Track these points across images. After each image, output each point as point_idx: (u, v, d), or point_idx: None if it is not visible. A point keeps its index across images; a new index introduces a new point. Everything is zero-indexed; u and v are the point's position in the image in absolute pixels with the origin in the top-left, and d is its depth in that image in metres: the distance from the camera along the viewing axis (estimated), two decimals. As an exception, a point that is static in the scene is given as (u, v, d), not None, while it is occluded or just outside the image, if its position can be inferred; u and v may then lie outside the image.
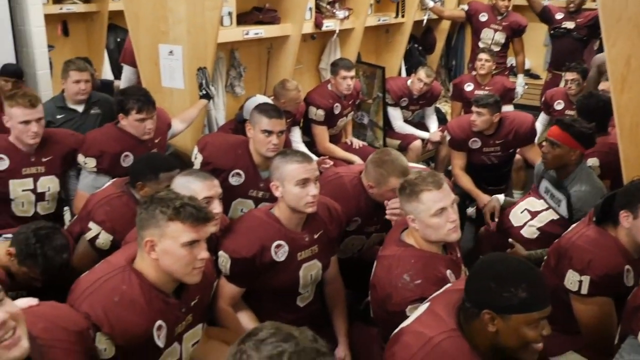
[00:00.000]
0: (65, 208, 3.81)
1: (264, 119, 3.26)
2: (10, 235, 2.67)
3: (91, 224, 2.92)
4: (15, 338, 1.51)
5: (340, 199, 3.11)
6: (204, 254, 2.07)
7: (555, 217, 3.53)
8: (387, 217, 3.04)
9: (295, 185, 2.66)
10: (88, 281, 2.04)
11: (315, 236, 2.84)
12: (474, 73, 6.04)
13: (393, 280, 2.46)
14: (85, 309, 1.95)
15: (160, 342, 2.07)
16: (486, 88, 5.77)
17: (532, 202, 3.71)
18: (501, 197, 4.02)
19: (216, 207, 2.59)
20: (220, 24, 4.15)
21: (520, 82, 6.68)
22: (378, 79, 5.58)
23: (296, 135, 4.84)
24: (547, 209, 3.60)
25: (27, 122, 3.28)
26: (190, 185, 2.59)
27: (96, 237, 2.91)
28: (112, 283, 2.02)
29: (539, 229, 3.59)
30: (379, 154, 3.21)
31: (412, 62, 6.97)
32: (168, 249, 2.03)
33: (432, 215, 2.46)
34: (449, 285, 2.25)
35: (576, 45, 6.37)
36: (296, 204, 2.69)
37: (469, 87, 5.93)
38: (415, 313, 2.12)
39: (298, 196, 2.67)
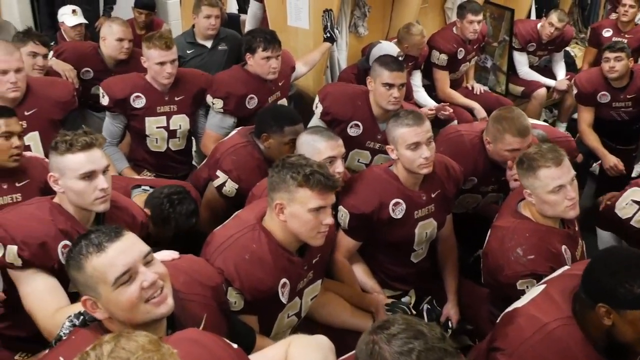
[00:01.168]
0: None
1: (385, 72, 3.26)
2: (148, 188, 2.87)
3: (219, 172, 3.05)
4: (162, 296, 1.65)
5: (457, 156, 3.10)
6: (329, 219, 2.17)
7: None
8: (509, 182, 3.01)
9: (407, 149, 2.69)
10: (222, 236, 2.20)
11: (433, 195, 2.87)
12: (613, 16, 5.63)
13: (506, 252, 2.47)
14: (219, 265, 2.11)
15: (284, 298, 2.22)
16: (627, 36, 5.38)
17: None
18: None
19: (339, 167, 2.67)
20: (349, -36, 4.10)
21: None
22: (506, 22, 5.34)
23: (417, 79, 4.78)
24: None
25: (162, 64, 3.45)
26: (315, 144, 2.67)
27: (223, 184, 3.05)
28: (243, 241, 2.17)
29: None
30: (501, 110, 3.14)
31: (544, 2, 6.58)
32: (296, 213, 2.14)
33: (549, 192, 2.42)
34: (566, 267, 2.23)
35: None
36: (410, 166, 2.73)
37: (607, 32, 5.55)
38: (530, 293, 2.13)
39: (410, 159, 2.70)
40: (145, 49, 3.48)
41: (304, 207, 2.13)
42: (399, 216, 2.79)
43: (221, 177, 3.04)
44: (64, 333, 1.71)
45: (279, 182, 2.16)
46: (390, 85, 3.25)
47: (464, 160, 3.11)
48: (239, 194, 3.01)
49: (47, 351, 1.80)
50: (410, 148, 2.68)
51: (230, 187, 3.04)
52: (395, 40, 4.52)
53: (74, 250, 1.65)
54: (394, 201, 2.77)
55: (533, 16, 6.41)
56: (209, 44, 4.44)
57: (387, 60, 3.33)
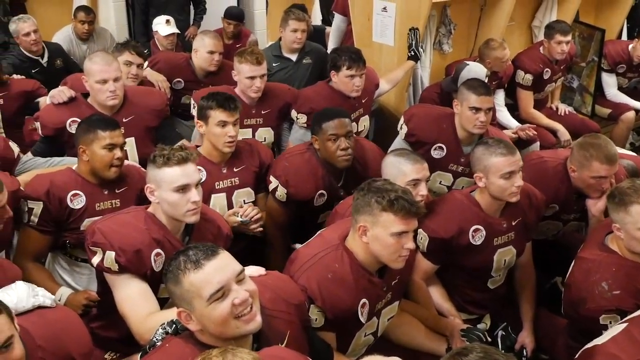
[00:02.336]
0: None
1: (473, 96, 3.26)
2: None
3: (271, 177, 3.19)
4: (252, 314, 1.74)
5: (540, 183, 3.08)
6: (410, 244, 2.21)
7: None
8: (589, 209, 2.97)
9: (500, 178, 2.69)
10: (306, 255, 2.27)
11: (513, 223, 2.87)
12: None
13: (590, 285, 2.45)
14: (303, 283, 2.18)
15: (363, 318, 2.27)
16: None
17: None
18: None
19: (422, 190, 2.70)
20: (437, -18, 4.12)
21: None
22: (595, 42, 5.21)
23: (500, 99, 4.72)
24: None
25: (252, 78, 3.57)
26: (401, 166, 2.73)
27: (275, 189, 3.17)
28: (327, 260, 2.24)
29: None
30: (588, 136, 3.10)
31: (636, 20, 6.37)
32: (378, 236, 2.19)
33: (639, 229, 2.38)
34: None
35: None
36: (500, 194, 2.73)
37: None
38: (611, 331, 2.11)
39: (503, 187, 2.71)
40: (237, 62, 3.61)
41: (387, 230, 2.17)
42: (478, 243, 2.80)
43: (273, 182, 3.18)
44: (157, 340, 1.82)
45: (364, 205, 2.21)
46: (477, 109, 3.25)
47: (546, 188, 3.09)
48: (291, 199, 3.14)
49: (139, 355, 1.92)
50: (504, 177, 2.69)
51: (281, 191, 3.15)
52: (477, 58, 4.49)
53: (173, 264, 1.76)
54: (474, 227, 2.79)
55: (624, 37, 6.22)
56: (294, 57, 4.55)
57: (475, 84, 3.34)
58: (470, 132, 3.31)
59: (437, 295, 2.87)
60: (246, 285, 1.76)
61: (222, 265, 1.73)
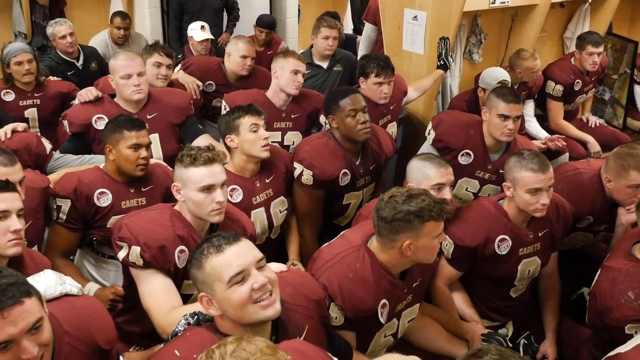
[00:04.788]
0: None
1: (502, 103, 3.26)
2: None
3: (295, 164, 3.23)
4: (271, 300, 1.78)
5: (576, 195, 3.07)
6: (442, 236, 2.30)
7: None
8: (620, 217, 2.95)
9: (526, 192, 2.69)
10: (328, 254, 2.30)
11: (540, 234, 2.85)
12: None
13: (616, 294, 2.42)
14: (324, 281, 2.21)
15: (382, 319, 2.28)
16: None
17: None
18: None
19: (447, 194, 2.70)
20: (468, -8, 4.12)
21: None
22: (628, 54, 5.16)
23: (529, 109, 4.70)
24: None
25: (296, 72, 3.64)
26: (425, 170, 2.73)
27: (301, 174, 3.20)
28: (348, 260, 2.26)
29: None
30: (623, 147, 3.10)
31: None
32: (424, 245, 2.22)
33: None
34: None
35: None
36: (525, 208, 2.73)
37: None
38: (635, 339, 2.09)
39: (528, 202, 2.70)
40: (281, 58, 3.67)
41: (431, 236, 2.22)
42: (504, 252, 2.79)
43: (297, 167, 3.22)
44: (179, 330, 1.86)
45: (404, 224, 2.20)
46: (506, 117, 3.25)
47: (582, 199, 3.09)
48: (318, 181, 3.18)
49: (162, 345, 1.96)
50: (531, 192, 2.68)
51: (307, 174, 3.19)
52: (508, 68, 4.48)
53: (197, 250, 1.82)
54: (500, 237, 2.78)
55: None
56: (325, 64, 4.59)
57: (504, 92, 3.33)
58: (498, 139, 3.30)
59: (460, 300, 2.86)
60: (266, 272, 1.80)
61: (242, 250, 1.79)
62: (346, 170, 3.25)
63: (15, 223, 2.15)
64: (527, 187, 2.67)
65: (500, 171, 3.31)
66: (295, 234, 3.31)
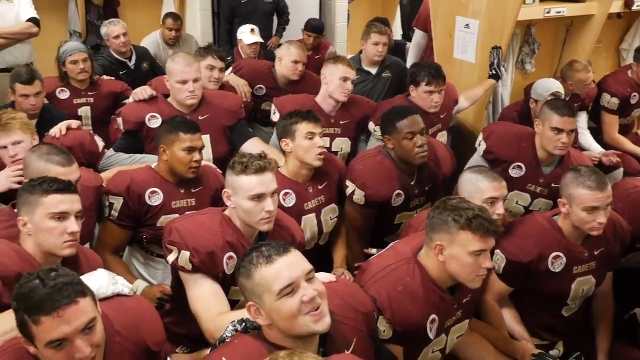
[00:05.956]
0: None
1: (555, 116, 3.19)
2: None
3: (347, 182, 3.19)
4: (321, 313, 1.75)
5: (635, 214, 2.96)
6: (488, 263, 2.17)
7: None
8: None
9: (582, 210, 2.61)
10: (378, 266, 2.27)
11: (596, 252, 2.77)
12: None
13: (672, 316, 2.33)
14: (373, 293, 2.17)
15: (431, 334, 2.24)
16: None
17: None
18: None
19: (499, 208, 2.65)
20: (522, 1, 4.05)
21: None
22: (687, 68, 4.98)
23: (582, 121, 4.58)
24: None
25: (345, 79, 3.64)
26: (478, 183, 2.69)
27: (352, 193, 3.17)
28: (398, 273, 2.22)
29: None
30: None
31: None
32: (456, 255, 2.16)
33: None
34: None
35: None
36: (580, 226, 2.65)
37: None
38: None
39: (584, 220, 2.62)
40: (331, 64, 3.68)
41: (465, 249, 2.14)
42: (557, 270, 2.71)
43: (350, 186, 3.18)
44: (226, 336, 1.85)
45: (440, 223, 2.19)
46: (560, 130, 3.17)
47: None
48: (369, 202, 3.13)
49: (209, 350, 1.96)
50: (587, 210, 2.60)
51: (358, 194, 3.15)
52: (560, 79, 4.39)
53: (246, 259, 1.81)
54: (554, 254, 2.70)
55: None
56: (374, 70, 4.56)
57: (558, 104, 3.26)
58: (551, 152, 3.23)
59: (509, 317, 2.79)
60: (315, 284, 1.78)
61: (292, 262, 1.76)
62: (400, 191, 3.19)
63: (73, 225, 2.17)
64: (584, 204, 2.59)
65: (553, 185, 3.25)
66: (343, 242, 3.29)
